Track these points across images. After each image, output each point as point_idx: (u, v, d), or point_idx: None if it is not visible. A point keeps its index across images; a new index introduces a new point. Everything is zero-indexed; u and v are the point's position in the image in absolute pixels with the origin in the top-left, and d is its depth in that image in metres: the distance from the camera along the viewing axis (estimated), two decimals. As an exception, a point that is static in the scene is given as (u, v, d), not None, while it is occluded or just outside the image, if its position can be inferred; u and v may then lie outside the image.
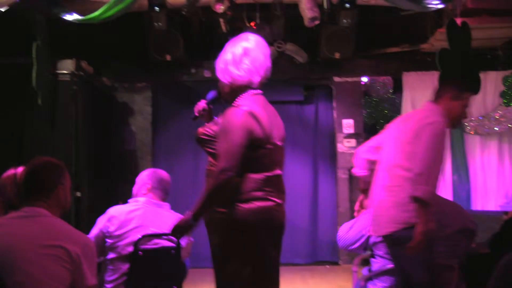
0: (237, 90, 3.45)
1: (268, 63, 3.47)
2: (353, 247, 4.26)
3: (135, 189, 4.53)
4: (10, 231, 2.74)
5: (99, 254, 4.28)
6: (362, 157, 4.09)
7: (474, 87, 6.46)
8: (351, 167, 8.16)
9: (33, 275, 2.62)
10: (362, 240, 4.16)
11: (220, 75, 3.48)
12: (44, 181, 2.91)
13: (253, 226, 3.30)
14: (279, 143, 3.39)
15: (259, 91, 3.47)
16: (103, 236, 4.27)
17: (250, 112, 3.29)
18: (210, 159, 3.53)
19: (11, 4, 5.92)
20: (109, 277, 4.25)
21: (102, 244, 4.28)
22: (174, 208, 4.54)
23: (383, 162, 3.78)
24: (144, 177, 4.50)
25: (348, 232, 4.24)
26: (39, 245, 2.68)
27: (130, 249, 4.22)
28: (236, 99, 3.43)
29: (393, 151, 3.71)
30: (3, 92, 6.84)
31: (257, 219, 3.30)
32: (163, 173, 4.58)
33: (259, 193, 3.31)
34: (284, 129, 3.50)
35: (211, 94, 3.68)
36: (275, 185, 3.38)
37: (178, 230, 3.38)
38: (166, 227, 4.33)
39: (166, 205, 4.50)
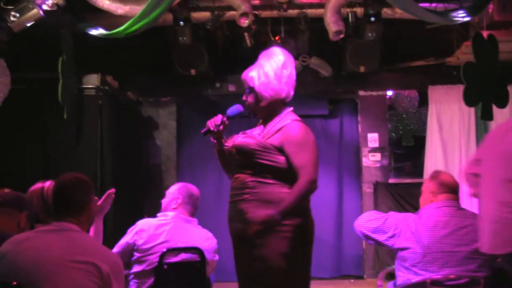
0: (276, 104, 3.46)
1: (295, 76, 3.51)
2: (370, 234, 4.12)
3: (164, 202, 4.52)
4: (37, 244, 2.73)
5: (124, 267, 4.28)
6: (467, 172, 3.78)
7: (503, 101, 6.39)
8: (376, 181, 8.20)
9: None
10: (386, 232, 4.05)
11: (262, 88, 3.44)
12: (75, 198, 2.91)
13: (313, 237, 3.53)
14: None
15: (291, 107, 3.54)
16: (130, 248, 4.26)
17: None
18: (250, 171, 3.43)
19: (37, 19, 5.97)
20: None
21: (128, 257, 4.27)
22: (199, 221, 4.53)
23: (490, 176, 3.56)
24: (175, 191, 4.49)
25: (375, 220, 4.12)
26: (69, 259, 2.68)
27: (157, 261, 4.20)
28: (273, 114, 3.47)
29: (503, 164, 3.47)
30: (30, 107, 6.90)
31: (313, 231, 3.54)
32: (193, 188, 4.56)
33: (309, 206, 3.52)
34: None
35: (236, 110, 3.58)
36: None
37: (265, 225, 3.27)
38: (194, 242, 4.33)
39: (195, 221, 4.49)
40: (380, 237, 4.04)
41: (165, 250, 4.15)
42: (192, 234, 4.33)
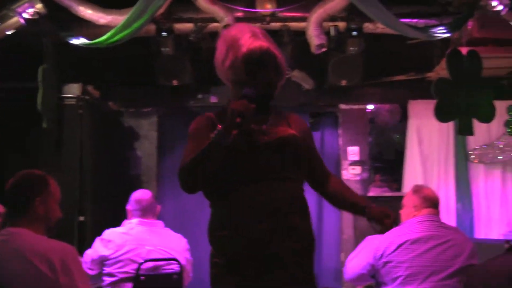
0: None
1: None
2: (359, 279, 4.13)
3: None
4: None
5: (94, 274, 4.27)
6: None
7: (487, 116, 6.43)
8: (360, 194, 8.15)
9: None
10: (369, 268, 4.02)
11: (283, 66, 2.90)
12: (18, 195, 2.79)
13: None
14: None
15: None
16: (99, 259, 4.24)
17: None
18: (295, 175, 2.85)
19: (17, 27, 5.89)
20: None
21: (99, 267, 4.26)
22: (182, 230, 4.51)
23: None
24: (128, 202, 4.55)
25: (354, 262, 4.10)
26: (11, 267, 2.58)
27: (129, 269, 4.17)
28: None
29: None
30: (11, 116, 6.81)
31: None
32: (138, 193, 4.58)
33: None
34: None
35: (252, 92, 2.67)
36: None
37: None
38: (165, 243, 4.31)
39: (160, 223, 4.49)
40: (369, 270, 4.01)
41: (139, 259, 4.13)
42: (161, 236, 4.35)
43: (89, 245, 4.66)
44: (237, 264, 2.65)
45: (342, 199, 3.03)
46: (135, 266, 4.21)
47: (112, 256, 4.22)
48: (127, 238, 4.28)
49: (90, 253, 4.36)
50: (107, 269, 4.27)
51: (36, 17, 5.74)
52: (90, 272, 4.28)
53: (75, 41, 6.08)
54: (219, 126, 2.63)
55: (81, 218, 6.74)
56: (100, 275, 4.34)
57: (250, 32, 2.86)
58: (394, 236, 3.88)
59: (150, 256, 4.26)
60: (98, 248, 4.29)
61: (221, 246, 2.71)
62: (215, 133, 2.61)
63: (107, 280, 4.28)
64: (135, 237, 4.29)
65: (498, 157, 8.14)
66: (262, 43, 2.80)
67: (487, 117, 6.49)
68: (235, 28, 2.96)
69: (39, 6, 5.75)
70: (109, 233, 4.34)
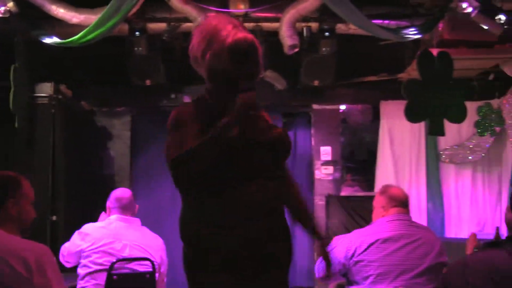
0: None
1: None
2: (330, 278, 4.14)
3: (103, 215, 4.58)
4: None
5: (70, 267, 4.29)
6: None
7: (459, 117, 6.50)
8: (328, 194, 8.21)
9: None
10: (340, 267, 4.04)
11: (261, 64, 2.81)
12: None
13: None
14: None
15: None
16: (77, 252, 4.27)
17: None
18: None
19: (-11, 25, 5.85)
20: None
21: (76, 260, 4.29)
22: (155, 227, 4.53)
23: None
24: (108, 200, 4.57)
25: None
26: None
27: (104, 261, 4.20)
28: None
29: None
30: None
31: None
32: (118, 191, 4.62)
33: None
34: None
35: (251, 85, 2.66)
36: None
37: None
38: (140, 240, 4.33)
39: (137, 220, 4.52)
40: (340, 270, 4.02)
41: (114, 260, 4.14)
42: (138, 232, 4.38)
43: (61, 244, 4.66)
44: (234, 262, 2.59)
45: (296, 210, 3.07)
46: (110, 258, 4.24)
47: (89, 248, 4.26)
48: (105, 231, 4.33)
49: (68, 246, 4.41)
50: (82, 261, 4.30)
51: (7, 15, 5.69)
52: (67, 265, 4.34)
53: (48, 40, 6.04)
54: (225, 118, 2.55)
55: (54, 218, 6.70)
56: (74, 273, 4.37)
57: (231, 23, 2.78)
58: (364, 235, 3.91)
59: (125, 250, 4.29)
60: (76, 241, 4.34)
61: (215, 244, 2.60)
62: (220, 126, 2.53)
63: (82, 272, 4.31)
64: (113, 232, 4.34)
65: (469, 158, 8.25)
66: (246, 34, 2.72)
67: (459, 118, 6.57)
68: (214, 19, 2.85)
69: (10, 4, 5.70)
70: (88, 227, 4.41)
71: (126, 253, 4.27)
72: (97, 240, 4.28)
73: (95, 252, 4.25)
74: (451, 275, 2.96)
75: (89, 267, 4.26)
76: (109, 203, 4.57)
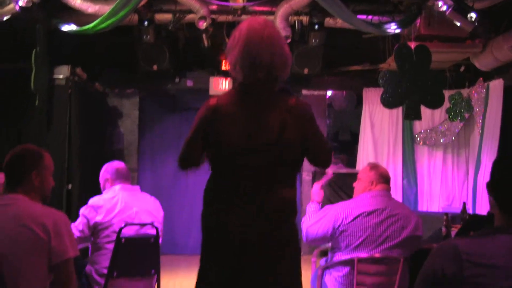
0: None
1: None
2: (319, 242, 4.18)
3: (101, 185, 4.48)
4: None
5: (87, 240, 4.24)
6: None
7: (436, 103, 6.55)
8: (314, 170, 8.27)
9: (7, 256, 2.56)
10: (328, 236, 4.06)
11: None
12: (16, 168, 2.80)
13: None
14: None
15: None
16: (93, 225, 4.19)
17: None
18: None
19: (13, 14, 5.84)
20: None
21: (91, 232, 4.22)
22: (159, 194, 4.53)
23: None
24: (103, 173, 4.47)
25: (315, 227, 4.11)
26: (9, 228, 2.62)
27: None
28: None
29: None
30: (4, 95, 6.75)
31: None
32: (115, 163, 4.53)
33: None
34: None
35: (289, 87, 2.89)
36: None
37: None
38: (147, 206, 4.31)
39: (137, 188, 4.50)
40: (328, 237, 4.02)
41: (123, 225, 4.11)
42: (142, 199, 4.35)
43: (75, 209, 4.58)
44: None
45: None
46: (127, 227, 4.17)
47: (106, 219, 4.15)
48: (115, 201, 4.23)
49: (81, 221, 4.24)
50: (104, 232, 4.18)
51: (30, 5, 5.69)
52: (81, 235, 4.17)
53: (65, 28, 6.07)
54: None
55: (69, 186, 6.75)
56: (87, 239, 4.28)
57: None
58: (351, 208, 3.94)
59: (138, 216, 4.22)
60: (90, 215, 4.17)
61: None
62: None
63: (104, 243, 4.20)
64: (122, 200, 4.24)
65: (441, 140, 8.34)
66: None
67: (436, 104, 6.62)
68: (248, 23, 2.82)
69: (33, -5, 5.71)
70: (97, 200, 4.26)
71: (139, 219, 4.21)
72: (110, 210, 4.18)
73: (111, 224, 4.16)
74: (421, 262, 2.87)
75: (111, 237, 4.18)
76: (108, 175, 4.41)
